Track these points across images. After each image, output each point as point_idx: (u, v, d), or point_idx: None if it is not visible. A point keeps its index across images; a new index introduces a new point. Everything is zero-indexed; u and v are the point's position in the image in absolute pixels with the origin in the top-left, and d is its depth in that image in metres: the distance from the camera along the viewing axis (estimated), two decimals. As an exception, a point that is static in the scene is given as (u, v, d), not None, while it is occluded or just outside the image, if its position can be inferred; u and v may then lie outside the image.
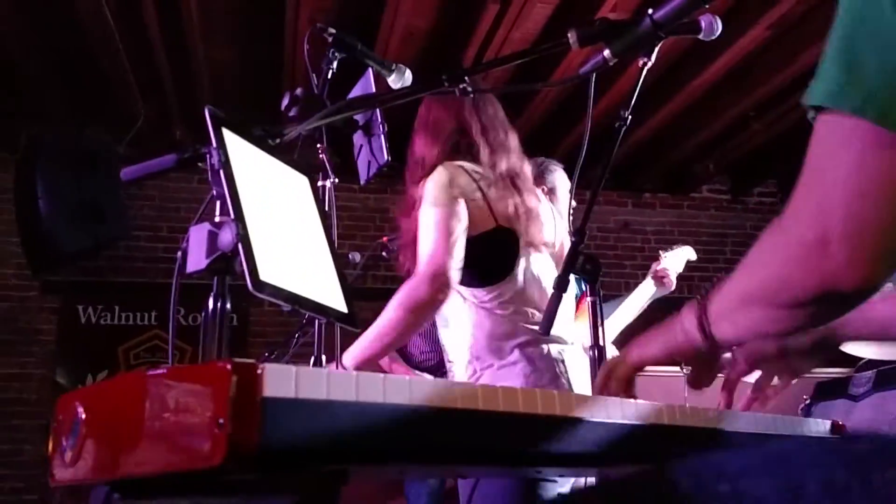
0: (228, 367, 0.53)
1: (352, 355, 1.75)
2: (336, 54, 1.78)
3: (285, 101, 1.63)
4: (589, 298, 1.60)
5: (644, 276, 3.43)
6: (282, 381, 0.55)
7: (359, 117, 1.76)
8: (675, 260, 3.46)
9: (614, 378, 1.00)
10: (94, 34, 4.29)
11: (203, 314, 1.03)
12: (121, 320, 5.63)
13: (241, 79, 5.12)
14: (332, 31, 1.78)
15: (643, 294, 3.40)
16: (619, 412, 0.85)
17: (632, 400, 0.93)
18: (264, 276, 0.86)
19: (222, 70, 4.91)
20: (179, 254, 1.07)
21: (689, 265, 7.24)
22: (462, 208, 1.83)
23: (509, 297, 1.90)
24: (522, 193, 1.92)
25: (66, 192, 4.84)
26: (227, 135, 0.96)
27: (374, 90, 1.74)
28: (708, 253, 7.04)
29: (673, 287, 3.42)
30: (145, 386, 0.57)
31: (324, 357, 1.49)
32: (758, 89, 5.14)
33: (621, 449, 0.85)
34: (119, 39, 4.28)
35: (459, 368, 1.97)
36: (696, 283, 6.71)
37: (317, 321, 1.41)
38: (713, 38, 1.36)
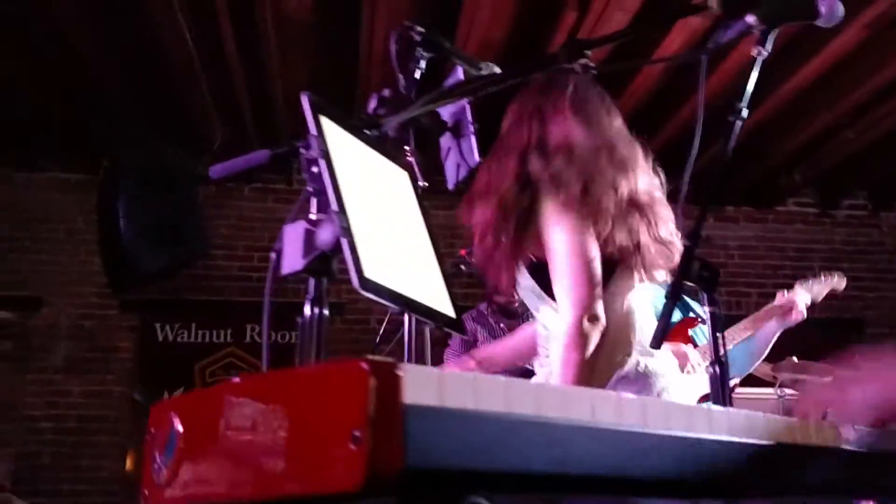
0: (365, 366, 0.42)
1: None
2: (424, 53, 1.70)
3: (373, 104, 1.55)
4: (707, 308, 1.46)
5: (729, 296, 3.20)
6: (424, 385, 0.44)
7: (447, 118, 1.67)
8: (812, 291, 3.19)
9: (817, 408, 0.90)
10: (174, 57, 4.36)
11: (300, 321, 0.94)
12: (197, 338, 5.69)
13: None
14: (421, 29, 1.69)
15: (766, 335, 3.14)
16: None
17: None
18: (369, 273, 0.77)
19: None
20: (273, 255, 0.99)
21: (774, 283, 6.94)
22: None
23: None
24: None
25: (147, 212, 4.92)
26: (326, 123, 0.88)
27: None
28: (795, 269, 6.70)
29: (801, 319, 3.14)
30: (260, 391, 0.48)
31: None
32: (851, 94, 4.88)
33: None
34: (198, 61, 4.34)
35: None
36: (781, 300, 6.40)
37: (408, 329, 1.29)
38: (832, 24, 1.22)
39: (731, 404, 1.42)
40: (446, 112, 1.66)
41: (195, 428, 0.57)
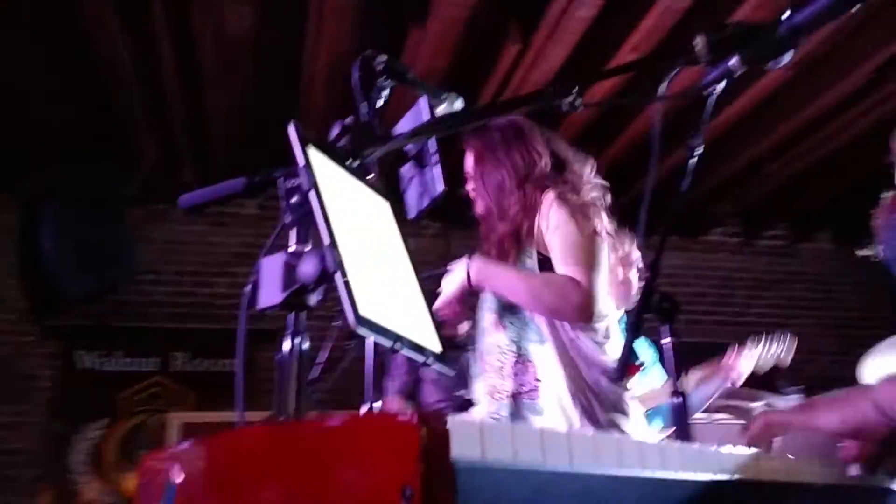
0: (414, 420, 0.40)
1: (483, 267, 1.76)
2: (386, 82, 1.68)
3: (335, 131, 1.52)
4: (668, 340, 1.48)
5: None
6: (467, 438, 0.42)
7: (410, 147, 1.66)
8: (759, 360, 3.32)
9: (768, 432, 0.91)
10: (107, 72, 4.22)
11: (277, 356, 0.91)
12: (121, 366, 5.45)
13: (253, 121, 5.05)
14: (383, 57, 1.68)
15: (706, 393, 3.24)
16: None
17: None
18: (363, 310, 0.74)
19: (233, 109, 4.84)
20: (248, 288, 0.95)
21: (700, 310, 7.14)
22: None
23: (600, 336, 1.82)
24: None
25: (71, 232, 4.73)
26: (314, 154, 0.86)
27: (428, 117, 1.65)
28: (719, 297, 6.94)
29: (740, 381, 3.28)
30: (285, 442, 0.44)
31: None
32: (775, 131, 5.10)
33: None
34: (132, 78, 4.21)
35: (552, 393, 1.83)
36: (706, 326, 6.60)
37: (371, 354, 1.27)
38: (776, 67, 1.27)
39: (691, 433, 1.44)
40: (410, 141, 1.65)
41: (200, 480, 0.53)
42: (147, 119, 4.72)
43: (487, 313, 1.91)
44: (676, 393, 1.44)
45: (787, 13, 0.85)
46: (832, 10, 0.82)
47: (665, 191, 1.48)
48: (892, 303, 7.13)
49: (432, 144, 1.61)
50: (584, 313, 1.71)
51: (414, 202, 1.67)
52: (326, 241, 0.78)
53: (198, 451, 0.58)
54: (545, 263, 1.81)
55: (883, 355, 3.11)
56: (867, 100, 4.72)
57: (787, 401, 3.86)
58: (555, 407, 1.79)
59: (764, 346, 3.34)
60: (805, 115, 4.90)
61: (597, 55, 4.21)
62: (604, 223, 1.83)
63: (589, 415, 1.76)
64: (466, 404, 3.68)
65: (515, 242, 1.85)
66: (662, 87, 1.08)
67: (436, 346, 0.89)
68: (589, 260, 1.73)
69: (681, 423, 1.41)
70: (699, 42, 0.90)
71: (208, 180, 4.65)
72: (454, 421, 0.42)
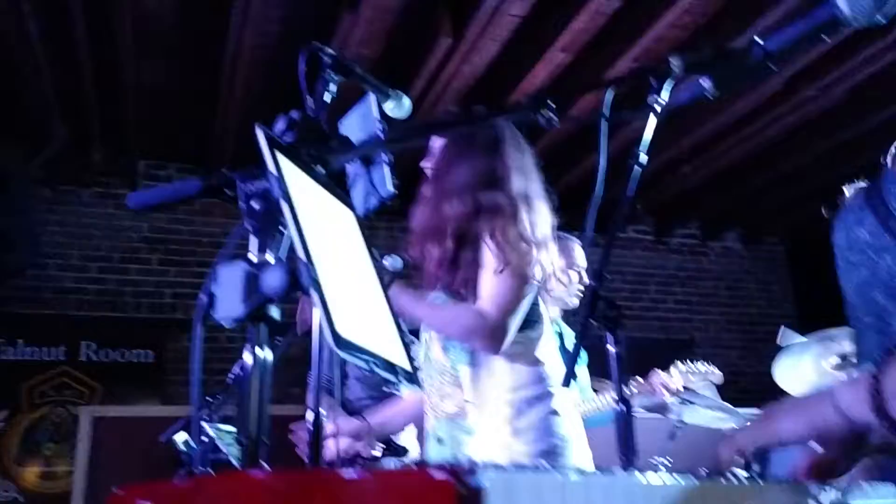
0: (450, 480, 0.38)
1: (397, 298, 1.76)
2: (334, 76, 1.63)
3: (280, 125, 1.46)
4: (613, 349, 1.49)
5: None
6: (498, 492, 0.40)
7: (355, 143, 1.61)
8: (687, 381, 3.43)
9: (737, 450, 0.89)
10: (12, 45, 3.95)
11: (239, 368, 0.86)
12: (25, 355, 5.15)
13: (170, 104, 4.85)
14: (330, 51, 1.63)
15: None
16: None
17: None
18: (340, 329, 0.71)
19: (151, 94, 4.63)
20: (204, 297, 0.90)
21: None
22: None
23: (532, 346, 1.82)
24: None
25: (-31, 215, 4.43)
26: (284, 162, 0.81)
27: (376, 116, 1.61)
28: (633, 292, 7.16)
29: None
30: (311, 496, 0.41)
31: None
32: (690, 134, 5.28)
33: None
34: (42, 53, 3.96)
35: (480, 411, 1.83)
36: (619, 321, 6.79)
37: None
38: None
39: (635, 441, 1.46)
40: (356, 138, 1.60)
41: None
42: (57, 97, 4.46)
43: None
44: (622, 400, 1.46)
45: (759, 39, 0.86)
46: (805, 39, 0.84)
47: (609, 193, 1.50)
48: (795, 301, 7.54)
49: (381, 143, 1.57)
50: (490, 348, 1.77)
51: (360, 201, 1.63)
52: (302, 256, 0.75)
53: (186, 494, 0.53)
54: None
55: (794, 355, 3.27)
56: (780, 107, 4.94)
57: (700, 395, 4.00)
58: (485, 427, 1.80)
59: (691, 370, 3.49)
60: (719, 120, 5.08)
61: (527, 53, 4.25)
62: (540, 263, 1.82)
63: (520, 433, 1.77)
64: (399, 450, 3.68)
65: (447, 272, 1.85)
66: (657, 98, 1.07)
67: (405, 363, 0.86)
68: (507, 298, 1.76)
69: (626, 431, 1.43)
70: (676, 62, 0.91)
71: (119, 163, 4.47)
72: (489, 476, 0.40)
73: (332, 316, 0.71)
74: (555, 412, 1.82)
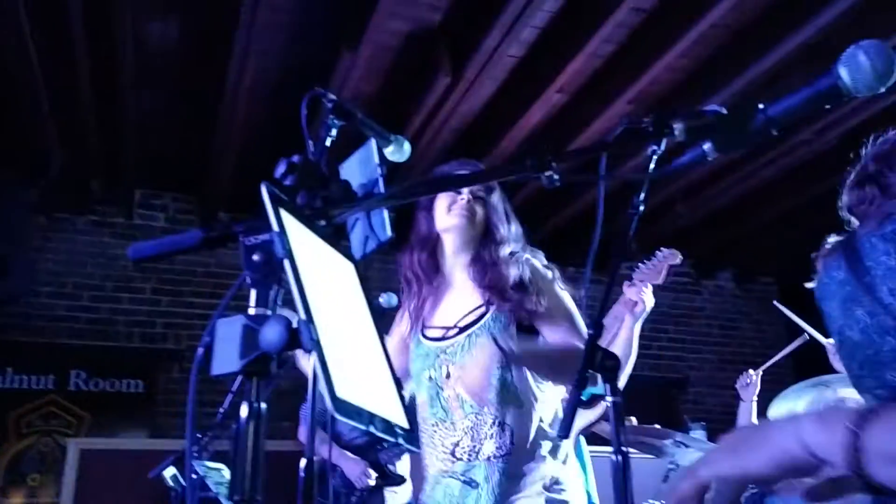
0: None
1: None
2: (335, 121, 1.65)
3: (281, 169, 1.47)
4: (610, 399, 1.49)
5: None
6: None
7: (357, 189, 1.62)
8: (651, 278, 3.31)
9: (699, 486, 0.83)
10: (12, 70, 3.97)
11: (235, 426, 0.86)
12: (13, 383, 5.10)
13: (169, 135, 4.87)
14: (332, 97, 1.65)
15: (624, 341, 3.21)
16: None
17: None
18: (340, 391, 0.71)
19: (151, 124, 4.65)
20: (201, 350, 0.89)
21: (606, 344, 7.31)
22: None
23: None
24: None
25: (-38, 240, 4.42)
26: (286, 217, 0.81)
27: (377, 161, 1.62)
28: (627, 330, 7.15)
29: (647, 308, 3.27)
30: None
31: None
32: (686, 175, 5.32)
33: None
34: (42, 79, 3.98)
35: (524, 453, 1.85)
36: (613, 358, 6.77)
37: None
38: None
39: (631, 489, 1.45)
40: (356, 182, 1.61)
41: None
42: (55, 125, 4.47)
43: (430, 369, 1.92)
44: (618, 451, 1.45)
45: (763, 105, 0.87)
46: (807, 106, 0.85)
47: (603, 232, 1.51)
48: (787, 341, 7.54)
49: (381, 188, 1.58)
50: None
51: (358, 245, 1.63)
52: (303, 315, 0.74)
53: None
54: None
55: (790, 400, 3.26)
56: (774, 150, 4.99)
57: (694, 437, 3.98)
58: (530, 469, 1.84)
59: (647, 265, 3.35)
60: (715, 161, 5.11)
61: (524, 93, 4.29)
62: None
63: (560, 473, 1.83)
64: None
65: None
66: (653, 158, 1.09)
67: (402, 420, 0.85)
68: None
69: (623, 483, 1.42)
70: (678, 126, 0.92)
71: (117, 192, 4.45)
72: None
73: (331, 377, 0.71)
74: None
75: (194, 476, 2.41)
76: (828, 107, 0.84)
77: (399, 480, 3.69)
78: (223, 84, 4.13)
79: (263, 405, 0.89)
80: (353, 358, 0.84)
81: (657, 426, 3.89)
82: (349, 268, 0.96)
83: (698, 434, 4.53)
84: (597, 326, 1.51)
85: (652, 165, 1.24)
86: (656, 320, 7.38)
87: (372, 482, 3.62)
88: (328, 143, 1.61)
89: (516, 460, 1.82)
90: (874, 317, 1.52)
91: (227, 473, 2.92)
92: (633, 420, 4.17)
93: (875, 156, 1.44)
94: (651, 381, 6.97)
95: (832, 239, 1.67)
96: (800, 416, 0.81)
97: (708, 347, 7.31)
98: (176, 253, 0.98)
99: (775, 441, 0.80)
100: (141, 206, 5.82)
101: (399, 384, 0.91)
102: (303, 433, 3.83)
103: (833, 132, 4.79)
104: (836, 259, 1.63)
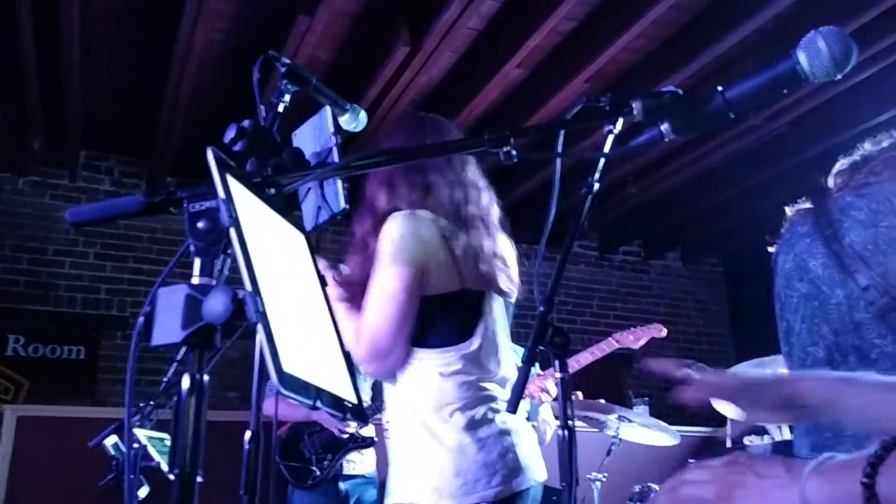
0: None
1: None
2: (289, 86, 1.60)
3: (230, 134, 1.42)
4: (559, 374, 1.49)
5: (517, 328, 3.43)
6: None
7: (310, 157, 1.58)
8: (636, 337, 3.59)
9: None
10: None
11: (177, 397, 0.83)
12: (-54, 349, 4.93)
13: (117, 95, 4.71)
14: (286, 60, 1.60)
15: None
16: None
17: None
18: (287, 366, 0.69)
19: (96, 83, 4.49)
20: (141, 319, 0.86)
21: (558, 317, 7.47)
22: (420, 271, 1.71)
23: (463, 362, 1.77)
24: (492, 239, 1.82)
25: None
26: (234, 184, 0.78)
27: (331, 129, 1.58)
28: (576, 305, 7.24)
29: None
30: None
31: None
32: (638, 157, 5.37)
33: None
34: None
35: (399, 426, 1.81)
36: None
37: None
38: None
39: (576, 463, 1.46)
40: (309, 151, 1.57)
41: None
42: (-5, 78, 4.28)
43: None
44: (565, 426, 1.46)
45: (721, 87, 0.87)
46: (765, 90, 0.85)
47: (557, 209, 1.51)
48: (730, 321, 7.74)
49: (335, 158, 1.54)
50: (366, 366, 1.75)
51: (311, 215, 1.59)
52: (248, 286, 0.72)
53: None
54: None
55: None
56: (725, 134, 5.06)
57: (637, 413, 4.06)
58: (403, 431, 1.79)
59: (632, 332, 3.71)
60: (667, 144, 5.17)
61: (483, 66, 4.26)
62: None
63: (445, 442, 1.73)
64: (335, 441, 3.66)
65: None
66: (609, 138, 1.08)
67: (351, 396, 0.84)
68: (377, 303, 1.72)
69: (569, 457, 1.43)
70: (636, 106, 0.91)
71: (61, 153, 4.30)
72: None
73: (278, 351, 0.69)
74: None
75: (135, 446, 2.36)
76: (785, 91, 0.85)
77: (368, 442, 3.70)
78: (173, 44, 4.00)
79: (206, 377, 0.87)
80: (301, 331, 0.82)
81: (602, 401, 3.96)
82: (300, 239, 0.94)
83: (641, 409, 4.63)
84: (548, 303, 1.51)
85: (608, 144, 1.23)
86: (605, 298, 7.50)
87: (351, 429, 3.62)
88: (280, 108, 1.56)
89: None
90: (827, 268, 1.55)
91: (169, 443, 2.87)
92: (579, 395, 4.23)
93: (882, 154, 1.48)
94: (599, 358, 7.08)
95: (793, 211, 1.70)
96: (799, 471, 0.74)
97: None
98: (117, 218, 0.94)
99: (774, 496, 0.74)
100: (85, 167, 5.64)
101: (349, 358, 0.89)
102: (268, 405, 3.79)
103: (783, 119, 4.89)
104: (803, 216, 1.67)
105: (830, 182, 1.80)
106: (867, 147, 1.76)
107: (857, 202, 1.60)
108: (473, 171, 1.88)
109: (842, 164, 1.79)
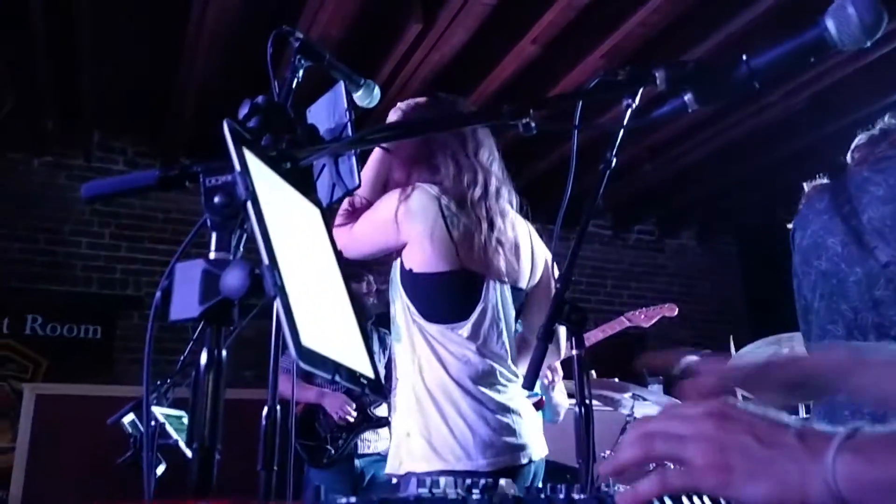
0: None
1: None
2: (302, 61, 1.58)
3: (244, 110, 1.41)
4: (574, 351, 1.48)
5: None
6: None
7: (325, 133, 1.57)
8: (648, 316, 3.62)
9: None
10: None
11: (194, 371, 0.83)
12: (-34, 328, 4.98)
13: (129, 74, 4.70)
14: (300, 35, 1.58)
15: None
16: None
17: None
18: (305, 340, 0.68)
19: (108, 63, 4.48)
20: (158, 294, 0.85)
21: (571, 296, 7.45)
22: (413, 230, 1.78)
23: (466, 339, 1.79)
24: (498, 221, 1.82)
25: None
26: (250, 158, 0.77)
27: (345, 105, 1.56)
28: (591, 286, 7.22)
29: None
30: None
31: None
32: (652, 135, 5.31)
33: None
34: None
35: (403, 393, 1.84)
36: (575, 314, 6.84)
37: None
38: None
39: (594, 442, 1.46)
40: (323, 127, 1.56)
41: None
42: (8, 61, 4.28)
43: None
44: (582, 403, 1.46)
45: (746, 56, 0.85)
46: (792, 59, 0.82)
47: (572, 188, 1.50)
48: (745, 300, 7.69)
49: (350, 133, 1.53)
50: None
51: (325, 192, 1.59)
52: (266, 260, 0.71)
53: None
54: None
55: (748, 358, 3.32)
56: (742, 111, 5.00)
57: (651, 391, 4.05)
58: (406, 404, 1.81)
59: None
60: (681, 122, 5.12)
61: (497, 43, 4.22)
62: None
63: (446, 415, 1.77)
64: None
65: None
66: (628, 112, 1.06)
67: (368, 370, 0.83)
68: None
69: (585, 434, 1.43)
70: (660, 75, 0.89)
71: (75, 133, 4.31)
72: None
73: (297, 325, 0.68)
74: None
75: (153, 423, 2.37)
76: (812, 59, 0.82)
77: (382, 422, 3.72)
78: (186, 23, 3.98)
79: (224, 353, 0.86)
80: (318, 305, 0.81)
81: (616, 380, 3.96)
82: (315, 213, 0.93)
83: (655, 388, 4.63)
84: (565, 281, 1.50)
85: (627, 117, 1.21)
86: (620, 276, 7.47)
87: (352, 417, 3.65)
88: (294, 84, 1.55)
89: None
90: (846, 246, 1.54)
91: (187, 420, 2.89)
92: (593, 374, 4.23)
93: None
94: (611, 337, 7.07)
95: (812, 188, 1.68)
96: (820, 444, 0.60)
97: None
98: (131, 192, 0.93)
99: (787, 473, 0.60)
100: (99, 147, 5.65)
101: (365, 333, 0.89)
102: (283, 382, 3.81)
103: (802, 94, 4.81)
104: (820, 192, 1.64)
105: (849, 157, 1.77)
106: (887, 120, 1.73)
107: (875, 177, 1.58)
108: (487, 155, 1.88)
109: (860, 138, 1.77)
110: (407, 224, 1.78)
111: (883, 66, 4.42)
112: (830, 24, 0.81)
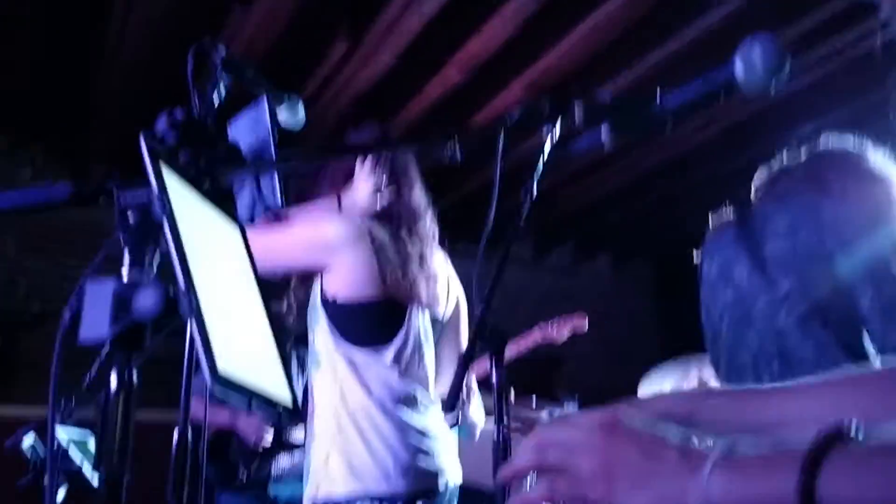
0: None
1: None
2: (225, 76, 1.56)
3: (162, 124, 1.38)
4: (495, 374, 1.50)
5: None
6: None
7: (246, 149, 1.55)
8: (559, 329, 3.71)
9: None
10: None
11: (104, 393, 0.80)
12: None
13: (40, 76, 4.51)
14: (223, 50, 1.55)
15: None
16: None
17: None
18: (221, 365, 0.66)
19: (18, 62, 4.29)
20: (67, 315, 0.82)
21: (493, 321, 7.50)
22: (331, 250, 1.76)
23: (388, 363, 1.80)
24: (424, 250, 1.84)
25: None
26: (168, 175, 0.75)
27: (268, 120, 1.55)
28: (509, 308, 7.30)
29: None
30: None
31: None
32: (571, 163, 5.45)
33: None
34: None
35: (321, 419, 1.82)
36: (494, 335, 6.91)
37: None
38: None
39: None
40: (245, 143, 1.54)
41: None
42: None
43: None
44: (500, 424, 1.48)
45: (660, 92, 0.89)
46: (702, 98, 0.86)
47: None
48: (658, 324, 7.93)
49: (272, 150, 1.52)
50: None
51: (245, 209, 1.56)
52: (182, 283, 0.69)
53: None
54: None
55: (658, 379, 3.42)
56: (656, 141, 5.19)
57: (567, 411, 4.13)
58: (326, 430, 1.81)
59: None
60: (601, 150, 5.26)
61: (423, 68, 4.25)
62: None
63: (367, 437, 1.77)
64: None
65: None
66: (548, 141, 1.08)
67: (286, 394, 0.82)
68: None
69: (503, 455, 1.44)
70: (577, 107, 0.92)
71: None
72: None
73: (212, 349, 0.67)
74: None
75: (55, 442, 2.26)
76: (722, 98, 0.87)
77: (298, 446, 3.64)
78: (106, 28, 3.85)
79: (135, 375, 0.84)
80: (236, 329, 0.79)
81: (532, 398, 4.01)
82: (235, 232, 0.91)
83: (571, 407, 4.71)
84: (487, 304, 1.52)
85: (548, 146, 1.24)
86: (537, 301, 7.58)
87: (267, 441, 3.56)
88: (216, 99, 1.52)
89: None
90: (751, 276, 1.61)
91: (92, 443, 2.76)
92: (512, 396, 4.26)
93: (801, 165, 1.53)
94: (527, 358, 7.16)
95: (717, 219, 1.76)
96: (698, 460, 0.60)
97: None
98: (42, 207, 0.89)
99: (667, 488, 0.60)
100: (5, 154, 5.39)
101: (285, 358, 0.87)
102: (196, 404, 3.69)
103: (716, 126, 5.03)
104: (726, 224, 1.72)
105: (752, 192, 1.87)
106: (786, 157, 1.84)
107: (777, 212, 1.67)
108: (412, 183, 1.92)
109: (761, 174, 1.87)
110: (333, 252, 1.77)
111: (792, 102, 4.66)
112: (738, 66, 0.85)
